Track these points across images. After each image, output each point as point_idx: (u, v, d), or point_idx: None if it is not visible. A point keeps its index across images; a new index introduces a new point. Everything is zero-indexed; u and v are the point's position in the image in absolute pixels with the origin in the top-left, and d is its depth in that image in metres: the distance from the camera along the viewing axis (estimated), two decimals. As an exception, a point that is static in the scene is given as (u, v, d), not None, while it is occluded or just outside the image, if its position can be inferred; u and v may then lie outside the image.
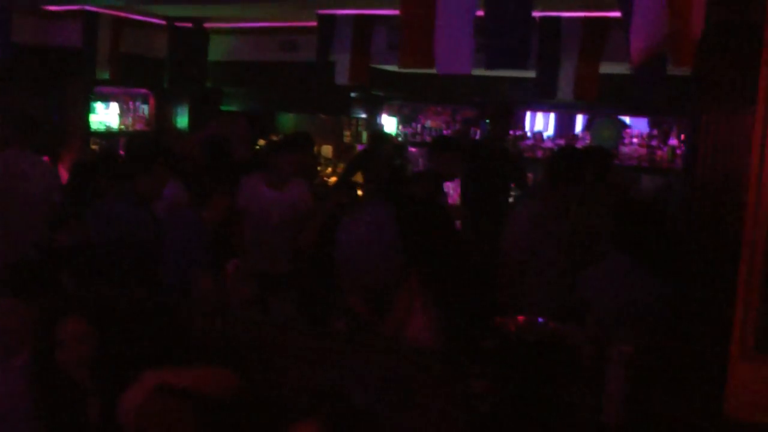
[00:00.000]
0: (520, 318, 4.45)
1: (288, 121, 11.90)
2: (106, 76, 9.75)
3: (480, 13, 5.39)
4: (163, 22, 10.19)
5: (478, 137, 9.93)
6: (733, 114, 4.19)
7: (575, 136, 10.05)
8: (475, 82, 9.22)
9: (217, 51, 10.57)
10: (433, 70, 5.65)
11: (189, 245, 5.53)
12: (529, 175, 8.84)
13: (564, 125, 10.72)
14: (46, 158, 7.75)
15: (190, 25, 10.28)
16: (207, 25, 10.40)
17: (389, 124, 10.99)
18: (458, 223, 7.10)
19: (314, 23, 9.12)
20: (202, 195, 5.99)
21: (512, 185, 8.28)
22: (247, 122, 8.50)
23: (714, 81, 4.14)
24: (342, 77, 9.10)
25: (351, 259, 5.65)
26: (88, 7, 9.22)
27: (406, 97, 10.73)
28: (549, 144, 9.93)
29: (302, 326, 4.51)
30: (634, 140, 9.53)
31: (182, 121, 10.98)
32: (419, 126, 10.89)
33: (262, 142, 10.41)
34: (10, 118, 7.29)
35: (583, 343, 4.22)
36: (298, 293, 5.82)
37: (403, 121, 11.08)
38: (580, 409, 3.82)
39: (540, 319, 4.32)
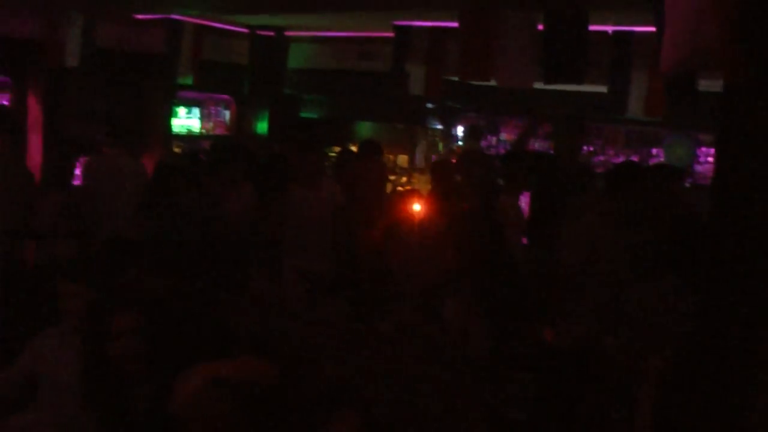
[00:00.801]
0: (562, 328, 4.50)
1: (365, 129, 12.05)
2: (188, 81, 10.04)
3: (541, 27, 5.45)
4: (245, 30, 10.44)
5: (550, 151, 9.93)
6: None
7: (648, 153, 9.96)
8: (551, 96, 9.22)
9: (296, 58, 10.78)
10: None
11: (249, 244, 5.72)
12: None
13: (639, 141, 10.61)
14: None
15: (271, 33, 10.51)
16: (287, 33, 10.61)
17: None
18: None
19: (391, 34, 9.25)
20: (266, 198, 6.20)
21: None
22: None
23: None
24: (416, 88, 9.20)
25: (405, 263, 5.80)
26: (173, 16, 9.51)
27: (481, 109, 10.76)
28: (621, 160, 9.86)
29: (349, 324, 4.60)
30: (710, 159, 9.40)
31: (262, 126, 11.24)
32: (495, 139, 10.91)
33: (337, 149, 10.57)
34: (108, 121, 7.66)
35: (619, 356, 4.25)
36: (349, 293, 5.94)
37: (479, 133, 11.11)
38: (611, 420, 3.85)
39: (578, 329, 4.38)
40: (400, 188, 10.78)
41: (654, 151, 9.99)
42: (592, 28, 6.65)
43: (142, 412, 3.93)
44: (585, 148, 10.03)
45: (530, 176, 7.58)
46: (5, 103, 9.61)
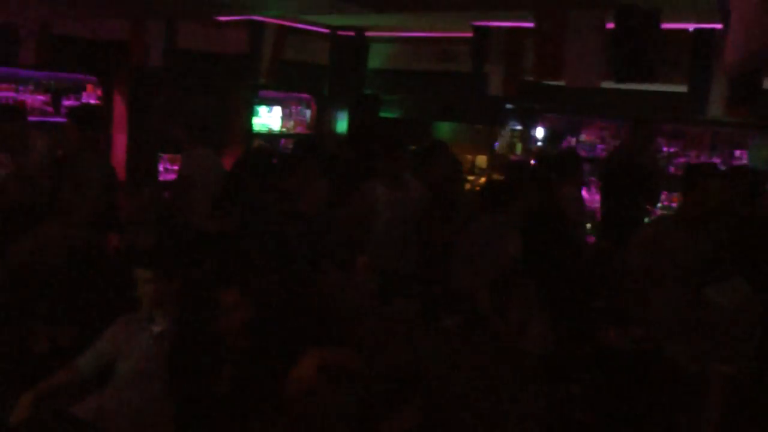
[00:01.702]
0: (628, 330, 4.46)
1: (444, 129, 12.07)
2: (269, 81, 10.21)
3: (610, 25, 5.41)
4: (326, 31, 10.55)
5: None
6: None
7: (731, 154, 9.74)
8: (629, 96, 9.14)
9: (376, 59, 10.86)
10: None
11: (324, 239, 5.80)
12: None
13: (724, 142, 10.37)
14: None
15: (352, 33, 10.61)
16: (368, 33, 10.69)
17: (543, 136, 11.01)
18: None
19: (470, 34, 9.26)
20: (343, 195, 6.28)
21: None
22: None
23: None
24: (495, 88, 9.20)
25: (472, 258, 5.82)
26: (254, 17, 9.67)
27: (561, 109, 10.69)
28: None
29: (417, 320, 4.65)
30: (797, 160, 9.15)
31: (341, 125, 11.35)
32: (574, 140, 10.82)
33: (413, 149, 10.60)
34: (195, 120, 7.88)
35: (685, 361, 4.19)
36: (420, 290, 5.99)
37: (558, 134, 11.04)
38: (677, 427, 3.81)
39: (643, 332, 4.33)
40: (478, 188, 10.77)
41: (737, 152, 9.75)
42: (672, 26, 6.56)
43: (223, 394, 4.07)
44: (665, 149, 9.87)
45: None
46: (92, 101, 9.89)
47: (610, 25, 5.45)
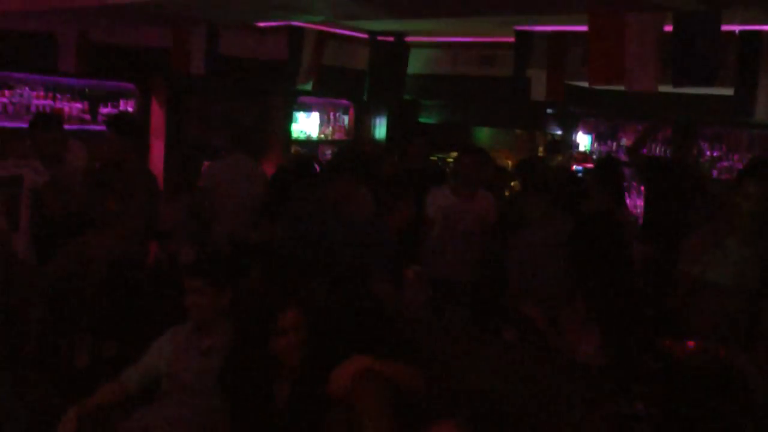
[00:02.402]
0: (690, 343, 4.31)
1: (484, 134, 11.95)
2: (308, 87, 10.14)
3: (668, 28, 5.27)
4: (365, 36, 10.46)
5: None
6: None
7: (782, 159, 9.50)
8: (672, 100, 8.96)
9: (416, 64, 10.74)
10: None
11: (372, 249, 5.70)
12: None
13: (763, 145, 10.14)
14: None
15: (391, 38, 10.50)
16: (407, 38, 10.59)
17: (584, 141, 10.86)
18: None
19: (512, 39, 9.14)
20: (389, 203, 6.17)
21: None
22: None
23: None
24: (537, 93, 9.07)
25: (525, 270, 5.70)
26: (294, 23, 9.60)
27: (602, 114, 10.54)
28: (747, 166, 9.47)
29: (472, 332, 4.55)
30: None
31: (380, 131, 11.26)
32: (615, 144, 10.67)
33: (454, 154, 10.50)
34: (234, 127, 7.83)
35: (756, 376, 4.03)
36: (473, 301, 5.88)
37: (599, 138, 10.90)
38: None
39: (711, 346, 4.17)
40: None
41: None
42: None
43: (281, 408, 3.98)
44: (708, 153, 9.68)
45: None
46: (130, 109, 9.86)
47: (668, 28, 5.30)
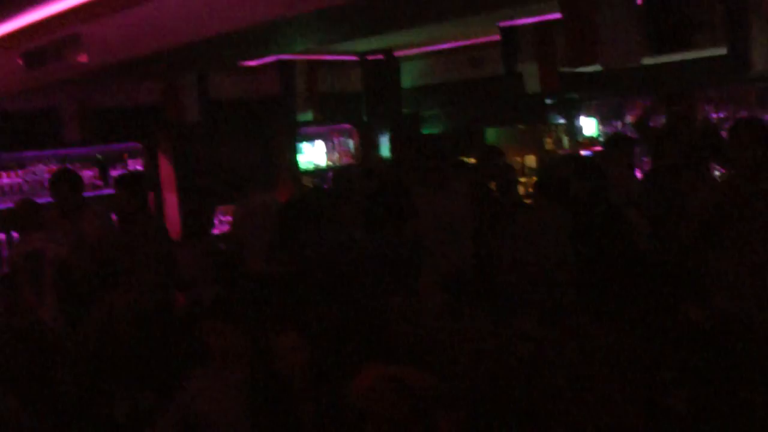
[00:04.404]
0: (711, 307, 4.30)
1: (489, 135, 12.00)
2: (308, 117, 10.27)
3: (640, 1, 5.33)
4: (356, 58, 10.59)
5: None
6: None
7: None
8: (668, 70, 8.99)
9: (409, 77, 10.87)
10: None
11: (384, 263, 5.79)
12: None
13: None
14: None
15: (380, 56, 10.63)
16: (397, 54, 10.70)
17: (588, 125, 10.88)
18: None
19: (498, 37, 9.23)
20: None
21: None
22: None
23: None
24: (531, 85, 9.14)
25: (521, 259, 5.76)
26: (283, 57, 9.73)
27: (600, 94, 10.56)
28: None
29: (485, 325, 4.59)
30: None
31: (386, 149, 11.34)
32: (620, 123, 10.68)
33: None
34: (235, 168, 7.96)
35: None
36: (486, 296, 5.93)
37: (603, 120, 10.92)
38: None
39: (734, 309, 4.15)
40: (531, 189, 10.67)
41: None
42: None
43: (306, 428, 4.06)
44: (714, 114, 9.67)
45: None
46: (138, 167, 10.01)
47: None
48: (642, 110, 9.32)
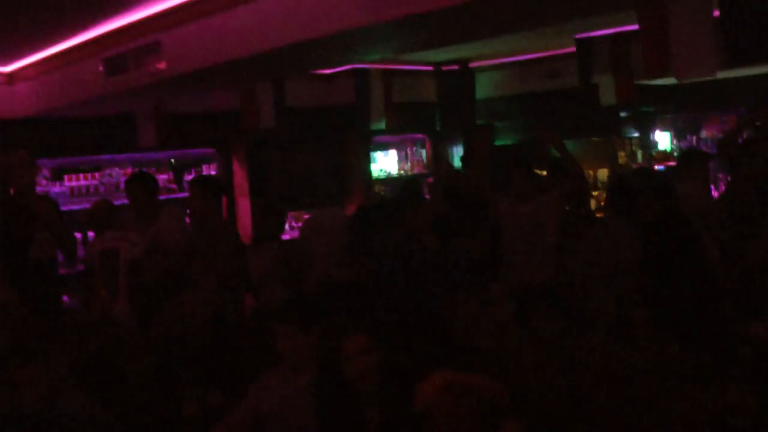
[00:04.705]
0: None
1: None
2: (382, 126, 10.32)
3: (717, 12, 5.27)
4: (430, 68, 10.61)
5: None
6: None
7: None
8: (748, 84, 8.85)
9: (483, 89, 10.86)
10: (707, 78, 5.59)
11: (454, 271, 5.80)
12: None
13: None
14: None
15: (456, 67, 10.64)
16: (472, 65, 10.71)
17: (663, 139, 10.74)
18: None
19: (573, 49, 9.19)
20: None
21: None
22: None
23: None
24: (608, 97, 9.08)
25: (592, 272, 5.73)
26: (358, 65, 9.80)
27: (677, 109, 10.40)
28: None
29: (553, 337, 4.57)
30: None
31: (458, 160, 11.32)
32: (695, 138, 10.51)
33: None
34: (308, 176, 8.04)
35: None
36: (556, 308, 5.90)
37: (678, 135, 10.76)
38: None
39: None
40: (603, 203, 10.55)
41: None
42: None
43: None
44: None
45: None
46: (213, 172, 10.16)
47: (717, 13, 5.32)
48: (731, 126, 9.17)
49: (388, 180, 11.14)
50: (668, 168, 10.15)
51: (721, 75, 6.43)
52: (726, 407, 3.86)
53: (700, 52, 5.20)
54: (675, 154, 10.47)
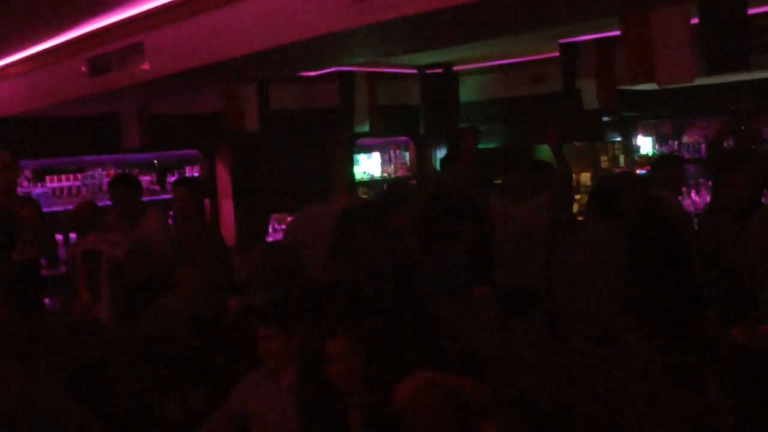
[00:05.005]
0: (761, 328, 4.27)
1: (545, 152, 11.94)
2: (366, 129, 10.33)
3: (695, 20, 5.32)
4: (415, 71, 10.63)
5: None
6: None
7: None
8: (733, 90, 8.91)
9: (467, 92, 10.87)
10: (689, 84, 5.64)
11: (438, 274, 5.81)
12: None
13: None
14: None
15: (440, 70, 10.65)
16: (456, 68, 10.72)
17: (645, 144, 10.81)
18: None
19: (557, 53, 9.22)
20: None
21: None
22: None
23: None
24: (590, 102, 9.11)
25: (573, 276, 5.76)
26: (342, 68, 9.81)
27: (659, 114, 10.48)
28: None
29: (534, 339, 4.59)
30: None
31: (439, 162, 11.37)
32: (676, 143, 10.58)
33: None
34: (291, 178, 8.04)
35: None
36: (541, 311, 5.94)
37: (660, 140, 10.83)
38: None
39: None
40: (585, 208, 10.60)
41: None
42: (759, 10, 6.38)
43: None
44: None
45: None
46: (196, 174, 10.15)
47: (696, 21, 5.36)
48: (715, 131, 9.20)
49: (372, 182, 11.16)
50: (649, 172, 10.21)
51: (703, 81, 6.48)
52: (706, 408, 3.89)
53: (680, 58, 5.25)
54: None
